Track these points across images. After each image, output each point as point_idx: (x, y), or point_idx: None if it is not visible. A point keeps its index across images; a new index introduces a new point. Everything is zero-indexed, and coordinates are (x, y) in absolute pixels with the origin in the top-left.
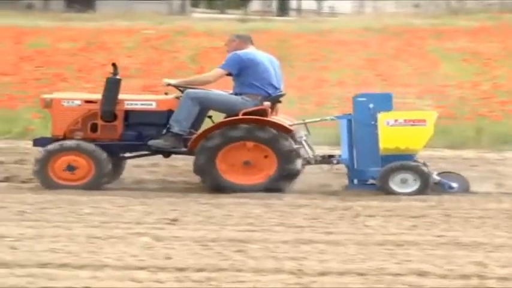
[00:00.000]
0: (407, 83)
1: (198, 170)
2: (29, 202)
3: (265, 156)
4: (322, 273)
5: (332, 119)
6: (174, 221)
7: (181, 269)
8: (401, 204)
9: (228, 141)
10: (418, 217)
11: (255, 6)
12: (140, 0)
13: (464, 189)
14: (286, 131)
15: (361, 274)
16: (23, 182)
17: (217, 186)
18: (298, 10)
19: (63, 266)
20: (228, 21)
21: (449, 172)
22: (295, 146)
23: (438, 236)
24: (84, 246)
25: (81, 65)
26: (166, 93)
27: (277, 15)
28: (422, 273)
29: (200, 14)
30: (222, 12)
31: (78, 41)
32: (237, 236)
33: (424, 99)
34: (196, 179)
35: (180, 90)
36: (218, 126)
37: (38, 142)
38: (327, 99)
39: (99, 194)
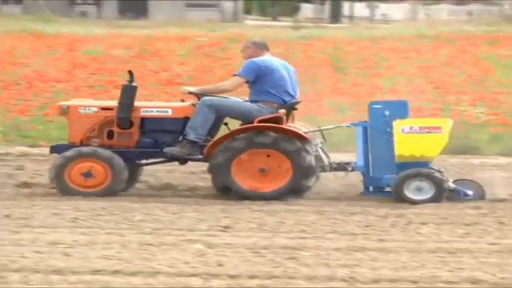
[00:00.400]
0: (461, 90)
1: (211, 169)
2: (82, 209)
3: (279, 166)
4: (375, 281)
5: (348, 126)
6: (226, 228)
7: (233, 276)
8: (454, 211)
9: (242, 149)
10: (471, 225)
11: (307, 13)
12: (193, 7)
13: (480, 196)
14: (301, 139)
15: (414, 282)
16: None
17: (225, 189)
18: (351, 17)
19: (116, 272)
20: (280, 29)
21: (465, 179)
22: (315, 163)
23: (491, 244)
24: (137, 253)
25: (134, 72)
26: (182, 100)
27: (330, 22)
28: (475, 281)
29: (252, 21)
30: (275, 20)
31: (132, 48)
32: (289, 243)
33: (477, 107)
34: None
35: (199, 98)
36: (233, 134)
37: (55, 149)
38: None
39: (152, 201)
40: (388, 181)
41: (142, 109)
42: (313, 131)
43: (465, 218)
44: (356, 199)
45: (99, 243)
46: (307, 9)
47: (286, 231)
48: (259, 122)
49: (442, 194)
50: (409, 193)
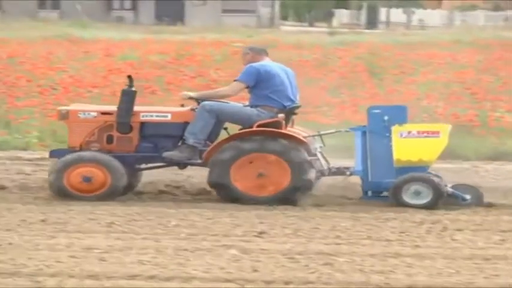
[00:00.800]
0: (497, 97)
1: (212, 183)
2: (118, 214)
3: (275, 169)
4: (410, 287)
5: (347, 131)
6: (261, 233)
7: (268, 282)
8: (490, 218)
9: (241, 154)
10: (507, 231)
11: (344, 19)
12: (229, 13)
13: (478, 201)
14: (300, 143)
15: None
16: None
17: (232, 199)
18: (387, 23)
19: (151, 278)
20: (316, 34)
21: (463, 184)
22: (308, 157)
23: None
24: (172, 258)
25: (170, 77)
26: (182, 105)
27: (366, 28)
28: None
29: (289, 27)
30: (311, 25)
31: (168, 53)
32: (324, 249)
33: None
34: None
35: (199, 103)
36: (232, 138)
37: (55, 153)
38: (415, 113)
39: (187, 206)
40: (387, 186)
41: (141, 114)
42: (313, 136)
43: (501, 224)
44: (391, 205)
45: (134, 248)
46: (343, 15)
47: (321, 237)
48: (258, 126)
49: (440, 198)
50: (407, 197)
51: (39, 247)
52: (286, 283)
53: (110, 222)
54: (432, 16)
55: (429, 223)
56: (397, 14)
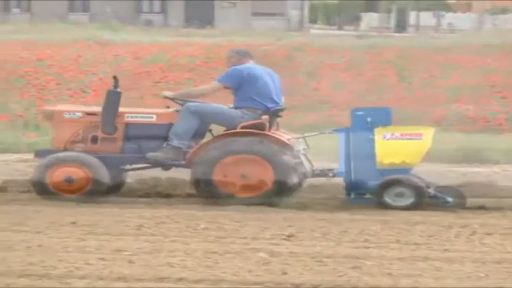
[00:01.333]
0: None
1: (194, 182)
2: (147, 216)
3: (259, 170)
4: None
5: (330, 132)
6: (290, 236)
7: (297, 285)
8: None
9: (226, 155)
10: None
11: (373, 22)
12: (259, 16)
13: (460, 204)
14: (284, 145)
15: None
16: (141, 196)
17: (213, 199)
18: (416, 26)
19: (180, 280)
20: (345, 38)
21: (447, 186)
22: (294, 161)
23: None
24: (201, 261)
25: (199, 80)
26: (168, 107)
27: (395, 31)
28: None
29: (318, 30)
30: (340, 29)
31: (197, 56)
32: (353, 252)
33: None
34: (307, 194)
35: (178, 103)
36: (214, 140)
37: (40, 154)
38: (445, 116)
39: (216, 209)
40: (370, 187)
41: (126, 115)
42: (297, 138)
43: None
44: (420, 209)
45: (163, 250)
46: (372, 18)
47: (349, 241)
48: (242, 128)
49: (422, 200)
50: (389, 199)
51: (69, 249)
52: (315, 286)
53: (139, 224)
54: (462, 19)
55: (458, 227)
56: (427, 17)
